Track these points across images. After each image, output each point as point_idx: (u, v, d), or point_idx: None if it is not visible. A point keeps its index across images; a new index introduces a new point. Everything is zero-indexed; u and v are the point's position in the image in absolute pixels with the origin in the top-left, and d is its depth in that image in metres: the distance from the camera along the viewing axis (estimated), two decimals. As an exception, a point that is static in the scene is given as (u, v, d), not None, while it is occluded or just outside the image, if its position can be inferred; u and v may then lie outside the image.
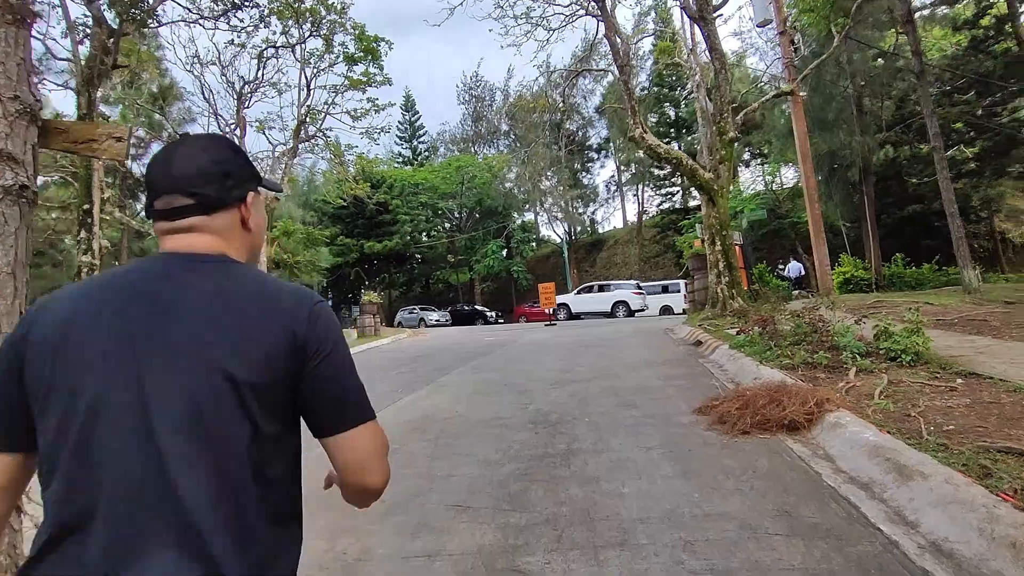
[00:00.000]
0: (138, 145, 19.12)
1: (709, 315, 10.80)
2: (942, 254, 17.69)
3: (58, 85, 11.92)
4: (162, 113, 16.32)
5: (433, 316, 30.58)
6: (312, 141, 15.71)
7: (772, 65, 19.49)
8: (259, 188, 1.04)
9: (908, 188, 22.43)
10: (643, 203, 38.29)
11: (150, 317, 0.83)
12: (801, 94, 15.65)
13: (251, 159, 1.10)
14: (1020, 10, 16.30)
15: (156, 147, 19.66)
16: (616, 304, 25.40)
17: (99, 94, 10.42)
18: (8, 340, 0.87)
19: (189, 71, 14.54)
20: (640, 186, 38.48)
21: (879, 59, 20.01)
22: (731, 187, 11.91)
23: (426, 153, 45.46)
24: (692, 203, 33.78)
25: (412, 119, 45.33)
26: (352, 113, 16.07)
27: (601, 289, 27.05)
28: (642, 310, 23.45)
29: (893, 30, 16.97)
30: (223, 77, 14.16)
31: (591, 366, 8.18)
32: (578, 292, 28.00)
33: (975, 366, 4.96)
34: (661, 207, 35.39)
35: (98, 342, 0.81)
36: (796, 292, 15.36)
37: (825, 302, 7.34)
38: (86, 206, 9.95)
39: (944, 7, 16.97)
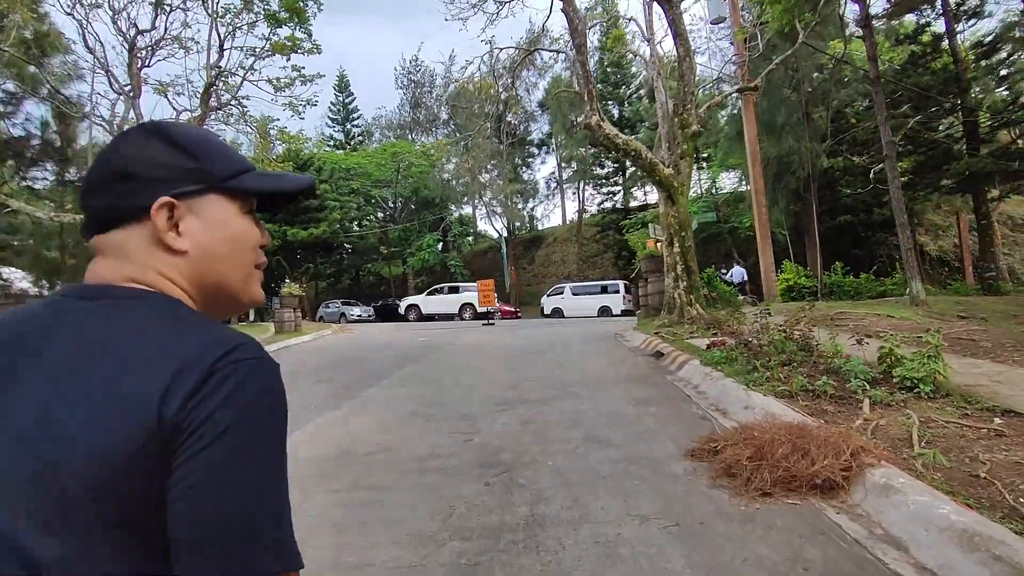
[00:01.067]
0: (8, 101, 16.30)
1: (666, 322, 9.99)
2: (872, 264, 18.01)
3: None
4: (38, 65, 13.77)
5: (355, 311, 28.75)
6: (225, 110, 13.72)
7: (723, 67, 19.16)
8: (223, 188, 0.70)
9: (840, 199, 22.94)
10: (583, 201, 37.84)
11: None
12: (752, 96, 15.28)
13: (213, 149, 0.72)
14: (957, 28, 16.67)
15: (31, 105, 16.88)
16: (463, 306, 26.43)
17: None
18: None
19: (69, 14, 12.22)
20: (581, 184, 37.99)
21: (823, 69, 20.16)
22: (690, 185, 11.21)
23: (360, 138, 43.05)
24: (633, 203, 33.63)
25: (346, 101, 42.75)
26: (274, 82, 14.19)
27: (451, 291, 27.80)
28: (490, 315, 22.86)
29: (839, 39, 16.94)
30: (114, 25, 11.96)
31: (543, 380, 7.07)
32: (429, 293, 28.68)
33: (1003, 399, 4.22)
34: (602, 206, 35.01)
35: None
36: (741, 298, 14.99)
37: (786, 309, 6.57)
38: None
39: (887, 21, 17.14)
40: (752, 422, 4.14)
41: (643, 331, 10.42)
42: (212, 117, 13.44)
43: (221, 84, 12.80)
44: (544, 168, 75.02)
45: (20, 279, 26.13)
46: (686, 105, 10.25)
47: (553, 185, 45.19)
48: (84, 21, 12.05)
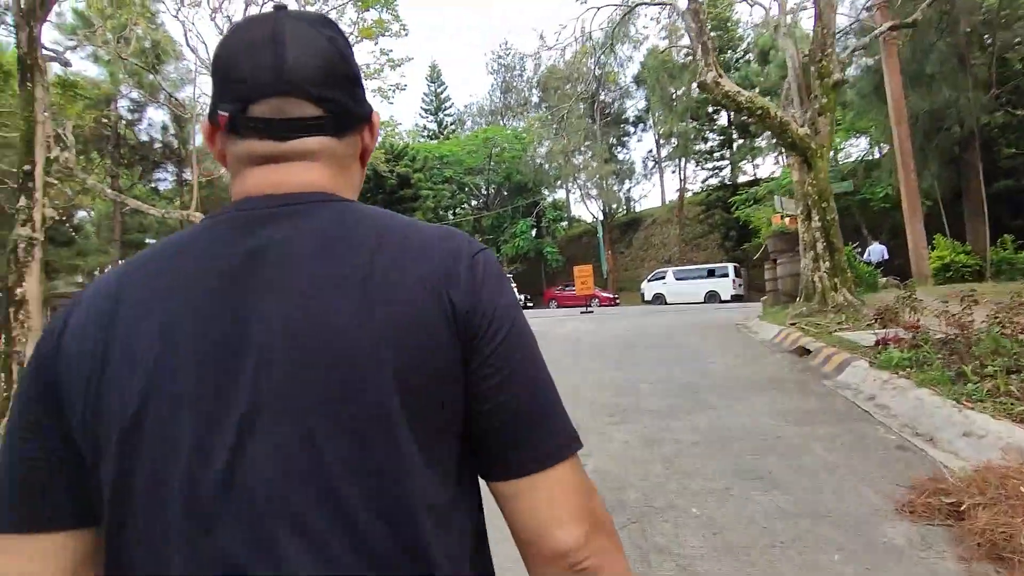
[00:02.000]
0: (134, 109, 17.37)
1: (804, 310, 8.43)
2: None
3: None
4: (155, 72, 14.41)
5: None
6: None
7: (859, 13, 16.57)
8: None
9: (998, 160, 19.39)
10: (685, 180, 35.37)
11: (237, 301, 0.52)
12: (895, 44, 12.90)
13: None
14: None
15: (154, 111, 17.86)
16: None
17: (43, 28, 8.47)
18: (34, 364, 0.55)
19: (175, 16, 12.56)
20: (681, 161, 35.52)
21: (982, 8, 16.86)
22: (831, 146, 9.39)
23: (452, 127, 43.11)
24: (743, 178, 30.88)
25: (438, 90, 42.95)
26: (363, 69, 13.91)
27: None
28: (588, 302, 21.23)
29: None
30: (213, 23, 12.14)
31: (663, 382, 5.96)
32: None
33: None
34: (706, 183, 32.45)
35: (150, 348, 0.51)
36: (883, 280, 12.82)
37: (944, 293, 4.96)
38: (27, 167, 8.11)
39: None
40: (996, 462, 2.86)
41: (773, 321, 8.92)
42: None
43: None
44: (640, 147, 71.76)
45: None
46: (825, 50, 8.54)
47: (651, 164, 42.89)
48: (187, 21, 12.30)
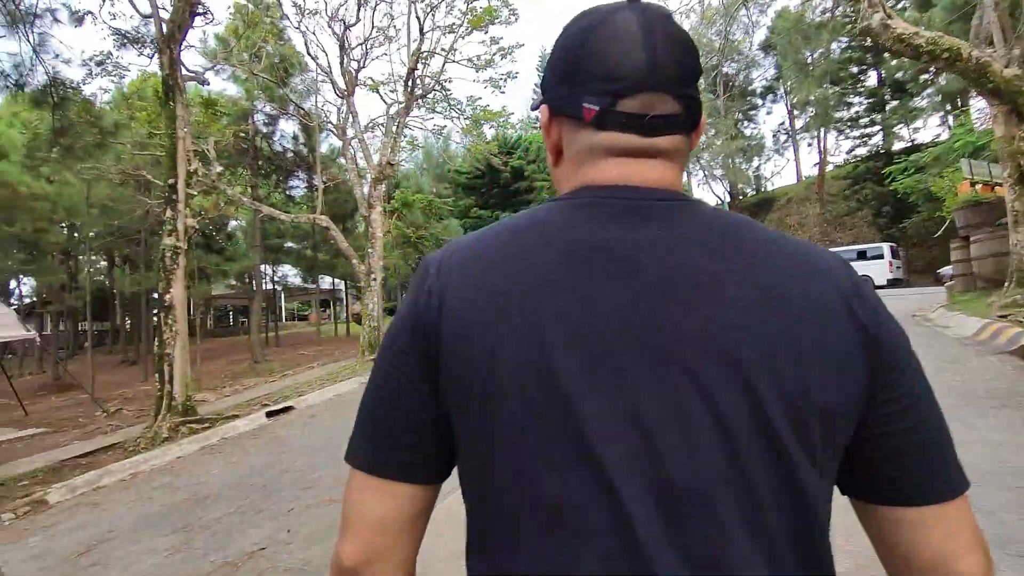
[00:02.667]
0: (268, 122, 18.57)
1: (1018, 298, 6.68)
2: None
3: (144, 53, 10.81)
4: (284, 84, 15.22)
5: None
6: (431, 97, 13.60)
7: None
8: None
9: None
10: (825, 152, 31.67)
11: (625, 289, 0.54)
12: None
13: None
14: None
15: (285, 122, 18.92)
16: None
17: (182, 49, 9.01)
18: (410, 319, 0.59)
19: (297, 28, 13.06)
20: (821, 132, 31.86)
21: None
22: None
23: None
24: (898, 145, 26.93)
25: (549, 80, 42.28)
26: (474, 60, 13.65)
27: None
28: None
29: None
30: (329, 28, 12.48)
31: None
32: None
33: None
34: (852, 154, 28.70)
35: (554, 322, 0.53)
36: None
37: None
38: (171, 180, 8.69)
39: None
40: None
41: (969, 312, 7.22)
42: (416, 105, 13.38)
43: (422, 67, 12.54)
44: (770, 120, 65.80)
45: (293, 275, 31.05)
46: (1040, -34, 6.68)
47: (783, 138, 39.14)
48: (308, 32, 12.71)
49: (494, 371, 0.53)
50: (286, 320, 34.66)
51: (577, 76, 0.60)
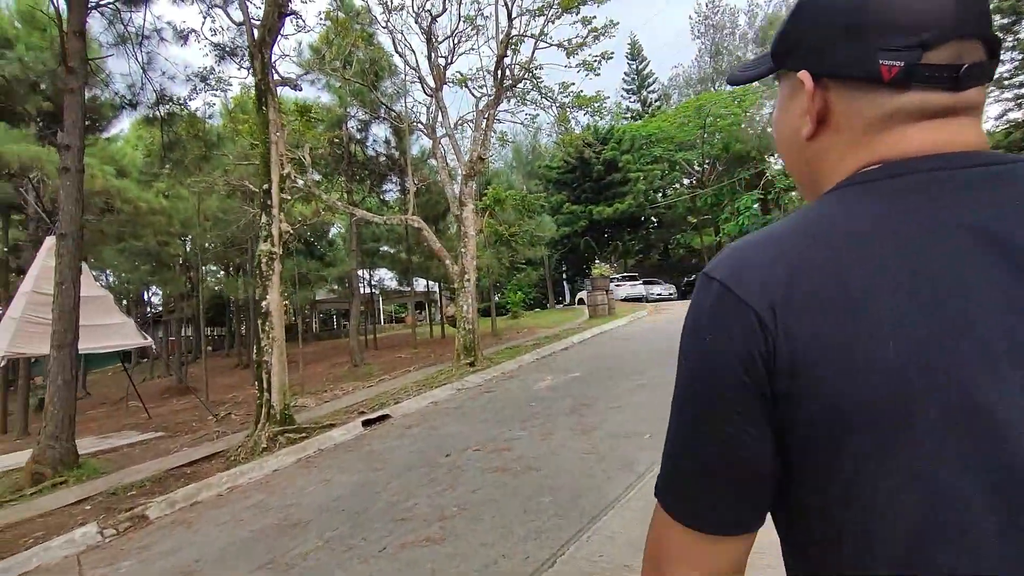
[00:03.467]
0: (360, 128, 18.75)
1: None
2: None
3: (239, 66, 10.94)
4: (374, 88, 15.19)
5: (656, 290, 26.32)
6: (520, 87, 12.91)
7: None
8: None
9: None
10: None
11: (1000, 273, 0.47)
12: None
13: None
14: None
15: (376, 127, 19.03)
16: None
17: (275, 54, 8.90)
18: (733, 356, 0.51)
19: (384, 27, 12.87)
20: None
21: None
22: None
23: (657, 103, 40.30)
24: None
25: (639, 67, 40.52)
26: (566, 45, 12.79)
27: None
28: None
29: None
30: (416, 24, 12.14)
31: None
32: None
33: None
34: (1004, 118, 24.67)
35: (960, 332, 0.46)
36: None
37: None
38: (265, 186, 8.60)
39: None
40: None
41: None
42: (506, 98, 12.74)
43: (511, 55, 11.86)
44: None
45: (389, 278, 31.76)
46: None
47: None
48: (395, 30, 12.48)
49: (893, 394, 0.45)
50: (384, 323, 35.66)
51: (865, 29, 0.51)
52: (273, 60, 9.07)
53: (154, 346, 10.87)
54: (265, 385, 7.92)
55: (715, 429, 0.52)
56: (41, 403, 16.89)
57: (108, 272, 29.58)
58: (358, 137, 18.80)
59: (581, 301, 23.37)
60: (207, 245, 19.07)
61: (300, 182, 10.10)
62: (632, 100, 41.18)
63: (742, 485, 0.52)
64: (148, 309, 31.48)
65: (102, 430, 12.38)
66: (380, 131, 19.70)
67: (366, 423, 8.09)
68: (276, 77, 9.30)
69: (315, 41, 15.92)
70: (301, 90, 10.24)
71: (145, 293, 30.60)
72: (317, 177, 18.44)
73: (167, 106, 10.90)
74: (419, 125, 14.79)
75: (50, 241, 9.47)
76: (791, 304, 0.48)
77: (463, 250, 11.65)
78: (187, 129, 11.83)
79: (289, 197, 8.85)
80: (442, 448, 6.00)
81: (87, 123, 16.09)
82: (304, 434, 7.69)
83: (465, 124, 14.53)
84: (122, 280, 28.85)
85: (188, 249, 20.39)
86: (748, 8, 44.55)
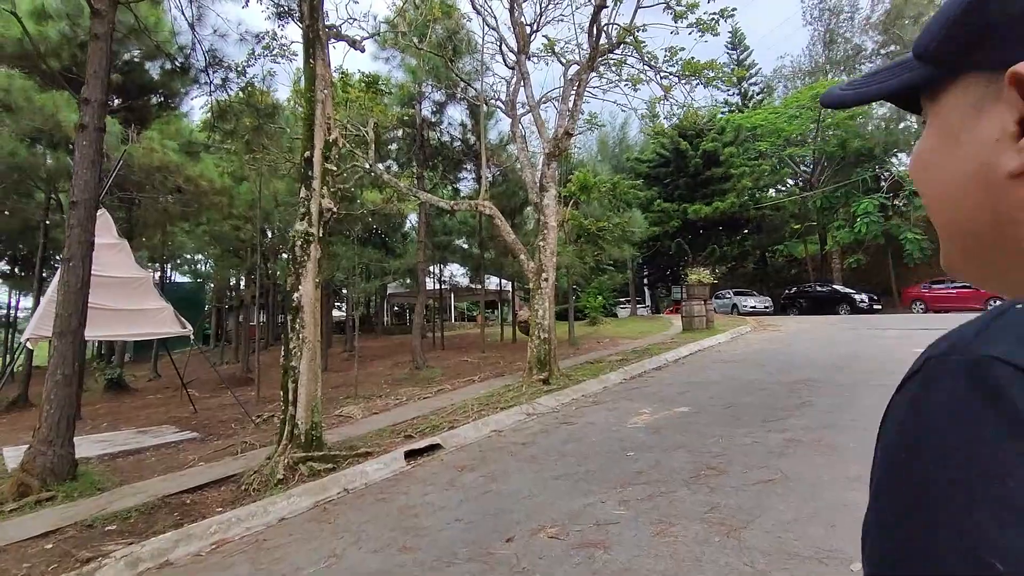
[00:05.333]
0: (435, 111, 17.28)
1: None
2: None
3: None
4: (451, 64, 13.61)
5: (749, 302, 23.35)
6: (619, 54, 10.84)
7: None
8: None
9: None
10: None
11: None
12: None
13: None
14: None
15: (453, 109, 17.55)
16: None
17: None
18: None
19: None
20: None
21: None
22: None
23: (759, 96, 36.65)
24: None
25: (740, 57, 37.00)
26: (673, 4, 10.57)
27: None
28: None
29: None
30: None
31: None
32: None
33: None
34: None
35: None
36: None
37: None
38: (307, 153, 7.11)
39: None
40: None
41: None
42: (603, 62, 10.69)
43: (610, 9, 9.79)
44: None
45: (461, 274, 30.39)
46: None
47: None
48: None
49: None
50: (455, 320, 34.53)
51: None
52: (326, 9, 7.56)
53: (192, 334, 9.76)
54: (291, 397, 6.37)
55: None
56: (112, 383, 16.71)
57: (199, 255, 30.11)
58: (432, 120, 17.34)
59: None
60: (275, 230, 18.25)
61: (366, 164, 8.56)
62: (731, 93, 37.69)
63: None
64: (231, 294, 31.83)
65: (147, 421, 11.55)
66: (456, 113, 18.12)
67: (410, 454, 6.36)
68: (328, 25, 7.78)
69: (390, 15, 14.59)
70: (363, 51, 8.70)
71: (232, 279, 30.98)
72: (387, 164, 17.15)
73: (218, 70, 9.69)
74: (498, 102, 13.05)
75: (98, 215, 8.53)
76: None
77: (541, 244, 9.74)
78: (242, 100, 10.64)
79: (335, 168, 7.28)
80: (502, 522, 4.11)
81: (158, 99, 15.52)
82: (332, 464, 6.06)
83: (550, 102, 12.64)
84: (208, 265, 29.27)
85: (270, 234, 19.85)
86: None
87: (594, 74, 10.91)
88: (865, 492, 0.35)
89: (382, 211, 16.80)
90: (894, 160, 29.31)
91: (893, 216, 27.53)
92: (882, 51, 34.65)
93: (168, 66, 13.44)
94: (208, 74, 9.58)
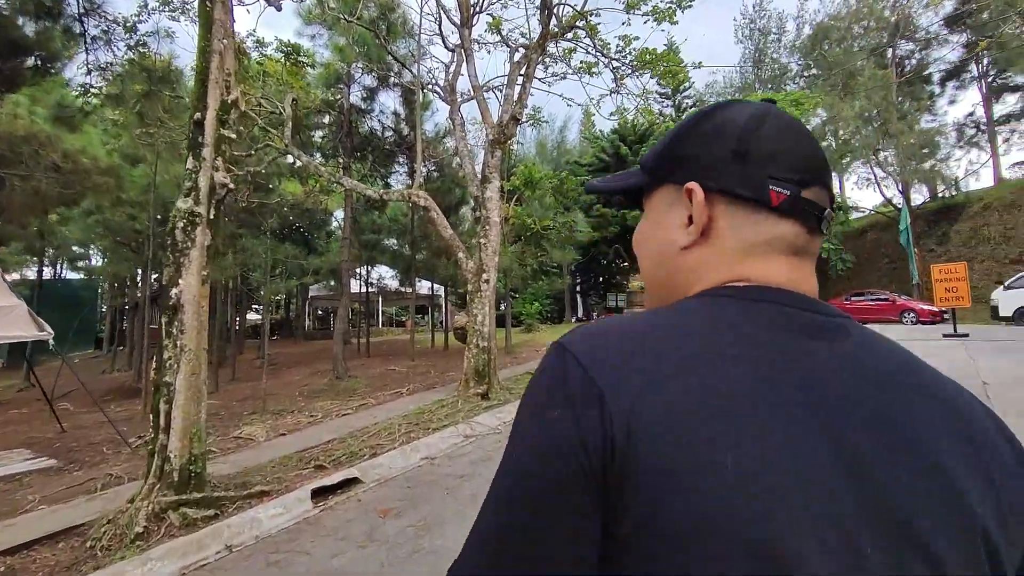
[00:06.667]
0: (365, 96, 15.88)
1: None
2: None
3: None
4: (383, 44, 12.32)
5: None
6: (573, 36, 9.99)
7: None
8: None
9: None
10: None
11: (865, 429, 0.46)
12: None
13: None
14: None
15: (385, 96, 16.19)
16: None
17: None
18: (572, 454, 0.45)
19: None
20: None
21: None
22: None
23: (693, 109, 37.42)
24: None
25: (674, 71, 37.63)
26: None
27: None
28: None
29: None
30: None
31: None
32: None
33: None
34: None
35: (786, 465, 0.43)
36: None
37: None
38: (197, 115, 5.73)
39: None
40: None
41: None
42: (552, 55, 9.80)
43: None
44: (953, 110, 55.58)
45: (391, 277, 28.77)
46: None
47: (971, 132, 31.74)
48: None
49: (718, 516, 0.41)
50: (382, 325, 32.66)
51: (755, 156, 0.55)
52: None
53: (51, 340, 7.93)
54: (163, 423, 4.94)
55: (549, 526, 0.43)
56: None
57: (90, 249, 26.71)
58: (362, 107, 15.92)
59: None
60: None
61: (282, 145, 7.17)
62: (665, 105, 38.29)
63: None
64: (137, 293, 28.57)
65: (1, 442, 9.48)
66: (389, 101, 16.80)
67: (319, 492, 5.10)
68: (235, -32, 6.40)
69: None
70: (280, 8, 7.36)
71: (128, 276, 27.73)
72: (311, 155, 15.55)
73: (99, 21, 8.01)
74: (436, 87, 11.93)
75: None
76: (644, 401, 0.44)
77: (482, 241, 8.69)
78: (132, 61, 8.96)
79: (234, 136, 5.89)
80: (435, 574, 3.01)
81: (34, 62, 13.22)
82: (214, 510, 4.71)
83: (492, 91, 11.66)
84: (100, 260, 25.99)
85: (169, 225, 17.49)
86: (798, 14, 41.99)
87: (540, 66, 10.02)
88: None
89: (303, 204, 15.18)
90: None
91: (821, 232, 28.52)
92: (804, 73, 36.37)
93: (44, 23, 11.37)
94: (83, 24, 7.88)
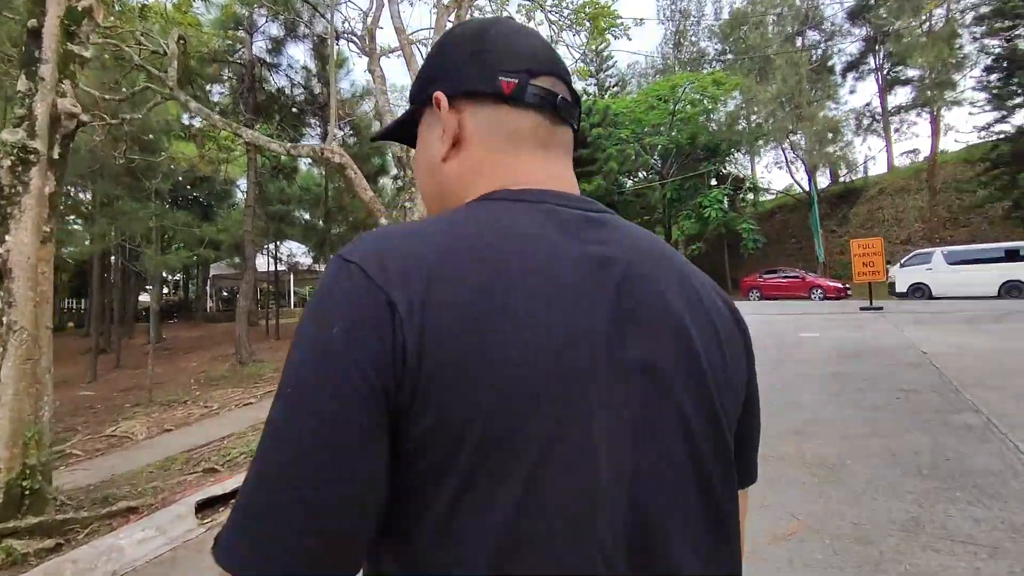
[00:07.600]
0: (271, 48, 14.23)
1: None
2: None
3: None
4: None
5: None
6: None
7: None
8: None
9: None
10: (940, 135, 26.58)
11: (608, 308, 0.50)
12: None
13: None
14: None
15: (295, 50, 14.53)
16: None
17: None
18: (363, 354, 0.43)
19: None
20: (933, 111, 26.81)
21: None
22: None
23: (615, 88, 37.52)
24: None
25: (598, 47, 37.51)
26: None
27: None
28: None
29: None
30: None
31: None
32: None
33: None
34: (985, 133, 23.38)
35: (542, 345, 0.46)
36: None
37: None
38: (32, 22, 4.38)
39: None
40: None
41: None
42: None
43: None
44: (853, 99, 59.27)
45: (304, 253, 26.81)
46: None
47: (867, 121, 33.94)
48: None
49: (513, 402, 0.44)
50: (293, 307, 30.51)
51: (487, 56, 0.59)
52: None
53: None
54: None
55: (335, 443, 0.41)
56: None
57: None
58: (267, 60, 14.22)
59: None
60: None
61: (167, 89, 5.78)
62: (589, 82, 38.13)
63: (353, 520, 0.42)
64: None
65: None
66: (299, 54, 15.14)
67: (205, 505, 4.07)
68: None
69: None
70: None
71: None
72: (217, 116, 13.70)
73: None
74: (352, 35, 10.68)
75: None
76: (431, 301, 0.45)
77: (408, 205, 7.75)
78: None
79: (87, 55, 4.57)
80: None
81: None
82: (55, 540, 3.58)
83: (417, 45, 10.55)
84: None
85: None
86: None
87: (474, 11, 9.06)
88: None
89: (198, 168, 13.38)
90: (733, 157, 31.57)
91: (731, 210, 29.58)
92: (721, 58, 37.43)
93: None
94: None
